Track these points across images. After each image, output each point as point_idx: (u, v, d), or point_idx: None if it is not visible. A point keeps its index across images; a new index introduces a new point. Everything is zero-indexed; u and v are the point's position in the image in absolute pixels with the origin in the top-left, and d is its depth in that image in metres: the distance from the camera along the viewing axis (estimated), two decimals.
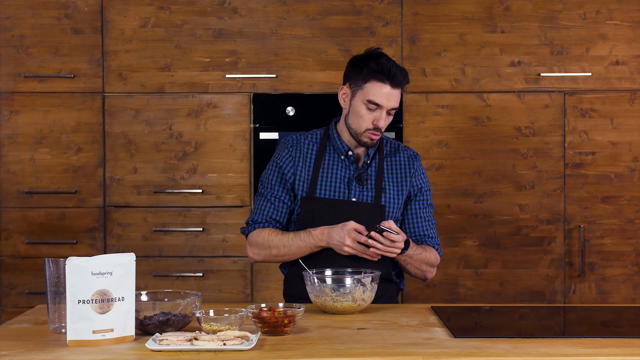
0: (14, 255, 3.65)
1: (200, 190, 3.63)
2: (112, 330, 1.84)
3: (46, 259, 1.97)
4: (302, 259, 2.47)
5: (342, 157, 2.54)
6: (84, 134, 3.65)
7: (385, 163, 2.58)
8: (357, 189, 2.53)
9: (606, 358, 1.72)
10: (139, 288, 2.06)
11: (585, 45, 3.64)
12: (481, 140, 3.65)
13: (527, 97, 3.65)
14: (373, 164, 2.56)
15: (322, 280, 2.21)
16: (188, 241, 3.64)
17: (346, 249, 2.36)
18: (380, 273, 2.27)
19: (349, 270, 2.31)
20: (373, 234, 2.31)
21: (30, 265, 3.63)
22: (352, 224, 2.36)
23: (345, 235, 2.35)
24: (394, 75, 2.40)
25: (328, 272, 2.30)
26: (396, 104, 2.45)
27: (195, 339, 1.79)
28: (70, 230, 3.63)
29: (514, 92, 3.65)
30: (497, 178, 3.65)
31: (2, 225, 3.65)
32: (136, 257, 1.92)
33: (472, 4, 3.65)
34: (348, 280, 2.20)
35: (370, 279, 2.20)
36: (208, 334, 1.84)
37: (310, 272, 2.24)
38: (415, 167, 2.61)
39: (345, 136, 2.55)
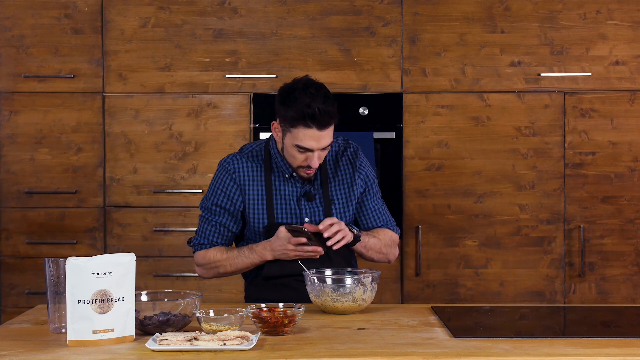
0: (14, 255, 3.65)
1: (200, 190, 3.63)
2: (112, 330, 1.84)
3: (46, 259, 1.97)
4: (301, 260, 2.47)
5: (287, 175, 2.52)
6: (84, 134, 3.65)
7: (329, 172, 2.55)
8: (307, 206, 2.51)
9: (606, 358, 1.72)
10: (139, 288, 2.06)
11: (585, 45, 3.64)
12: (481, 140, 3.65)
13: (527, 97, 3.65)
14: (318, 177, 2.53)
15: (323, 281, 2.21)
16: None
17: (292, 254, 2.38)
18: (380, 273, 2.27)
19: (349, 270, 2.32)
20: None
21: (30, 265, 3.63)
22: (282, 231, 2.37)
23: (285, 243, 2.37)
24: (319, 119, 2.32)
25: (328, 272, 2.31)
26: (328, 142, 2.39)
27: (195, 339, 1.79)
28: (70, 230, 3.63)
29: (514, 92, 3.65)
30: (497, 178, 3.65)
31: (2, 225, 3.65)
32: (136, 257, 1.92)
33: (472, 4, 3.65)
34: (348, 280, 2.20)
35: (370, 279, 2.20)
36: (208, 334, 1.84)
37: (310, 272, 2.24)
38: (357, 164, 2.57)
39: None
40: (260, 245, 2.45)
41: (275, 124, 2.48)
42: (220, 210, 2.51)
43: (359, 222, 2.61)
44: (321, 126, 2.33)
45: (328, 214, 2.50)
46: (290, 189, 2.51)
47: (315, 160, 2.38)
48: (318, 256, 2.38)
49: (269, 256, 2.43)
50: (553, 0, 3.64)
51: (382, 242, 2.55)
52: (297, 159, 2.41)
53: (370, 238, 2.51)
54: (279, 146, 2.50)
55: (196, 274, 3.62)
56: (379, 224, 2.60)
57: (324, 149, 2.40)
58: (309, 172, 2.45)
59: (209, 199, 2.54)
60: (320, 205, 2.52)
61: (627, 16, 3.64)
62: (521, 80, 3.65)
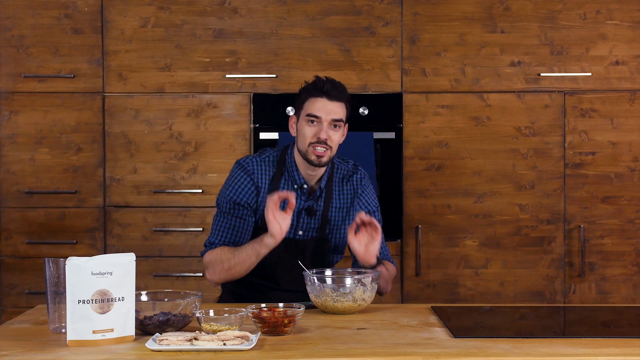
0: (14, 255, 3.65)
1: (200, 190, 3.63)
2: (112, 330, 1.84)
3: (46, 259, 1.97)
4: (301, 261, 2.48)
5: (295, 186, 2.54)
6: (84, 134, 3.65)
7: (334, 193, 2.58)
8: (305, 220, 2.53)
9: (606, 358, 1.72)
10: (139, 288, 2.06)
11: (585, 45, 3.64)
12: (481, 140, 3.65)
13: (527, 97, 3.65)
14: (323, 195, 2.57)
15: (323, 280, 2.21)
16: (188, 241, 3.64)
17: (270, 204, 2.29)
18: (380, 273, 2.27)
19: (349, 270, 2.32)
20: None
21: (30, 265, 3.63)
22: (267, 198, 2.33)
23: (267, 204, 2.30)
24: (328, 90, 2.44)
25: (328, 272, 2.31)
26: (338, 116, 2.45)
27: (195, 339, 1.79)
28: (70, 230, 3.63)
29: (514, 92, 3.65)
30: (497, 178, 3.65)
31: (2, 225, 3.65)
32: (136, 257, 1.92)
33: (472, 4, 3.65)
34: (348, 280, 2.20)
35: (370, 279, 2.20)
36: (208, 334, 1.84)
37: (310, 272, 2.24)
38: (360, 191, 2.62)
39: (302, 166, 2.53)
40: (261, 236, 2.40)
41: (293, 118, 2.55)
42: (238, 207, 2.50)
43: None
44: (330, 97, 2.44)
45: (322, 232, 2.54)
46: (295, 200, 2.52)
47: (324, 133, 2.42)
48: (293, 201, 2.31)
49: (268, 239, 2.33)
50: (553, 0, 3.64)
51: (389, 273, 2.56)
52: (308, 135, 2.45)
53: (382, 267, 2.50)
54: (293, 132, 2.54)
55: (197, 274, 3.62)
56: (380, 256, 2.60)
57: (335, 126, 2.45)
58: (318, 151, 2.44)
59: (225, 196, 2.52)
60: (317, 223, 2.54)
61: (627, 16, 3.64)
62: (521, 80, 3.65)
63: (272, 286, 2.53)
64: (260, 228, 2.49)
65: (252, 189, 2.51)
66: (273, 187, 2.52)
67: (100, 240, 3.64)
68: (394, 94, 3.64)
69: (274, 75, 3.63)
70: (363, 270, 2.31)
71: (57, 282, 1.96)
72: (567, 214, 3.65)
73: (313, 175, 2.53)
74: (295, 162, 2.54)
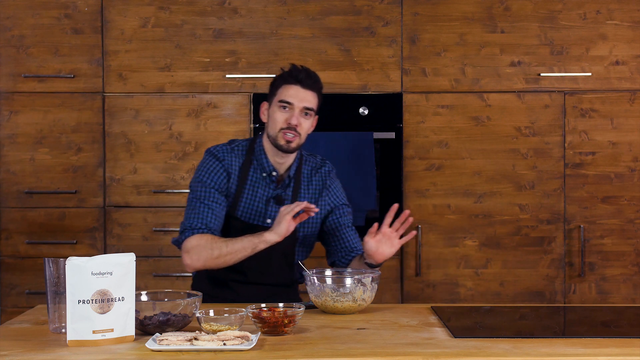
0: (14, 255, 3.65)
1: None
2: (112, 330, 1.84)
3: (46, 259, 1.97)
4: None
5: (264, 174, 2.55)
6: (84, 134, 3.65)
7: (302, 184, 2.60)
8: (274, 209, 2.54)
9: (606, 358, 1.72)
10: (139, 288, 2.05)
11: (585, 45, 3.64)
12: (481, 140, 3.65)
13: (527, 97, 3.65)
14: (292, 184, 2.58)
15: (323, 281, 2.21)
16: None
17: (285, 213, 2.35)
18: (380, 273, 2.27)
19: (349, 270, 2.32)
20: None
21: (30, 265, 3.63)
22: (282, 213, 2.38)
23: (280, 211, 2.36)
24: (302, 78, 2.49)
25: (328, 272, 2.31)
26: (310, 104, 2.49)
27: (195, 339, 1.79)
28: (70, 230, 3.63)
29: (514, 92, 3.65)
30: (497, 178, 3.65)
31: (2, 225, 3.65)
32: (136, 257, 1.92)
33: (472, 4, 3.65)
34: (348, 280, 2.20)
35: (370, 279, 2.20)
36: (208, 334, 1.84)
37: (311, 272, 2.24)
38: (328, 183, 2.64)
39: (270, 153, 2.55)
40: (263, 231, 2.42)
41: (265, 104, 2.58)
42: (213, 190, 2.51)
43: (331, 242, 2.63)
44: (303, 85, 2.49)
45: None
46: (263, 188, 2.55)
47: (295, 119, 2.46)
48: (312, 214, 2.37)
49: (271, 236, 2.35)
50: (553, 0, 3.64)
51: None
52: (279, 120, 2.48)
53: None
54: (266, 128, 2.55)
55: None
56: (354, 243, 2.61)
57: (307, 113, 2.49)
58: (288, 136, 2.47)
59: (200, 180, 2.52)
60: None
61: (627, 16, 3.64)
62: (521, 80, 3.65)
63: (239, 279, 2.51)
64: (231, 216, 2.51)
65: (224, 174, 2.53)
66: (242, 175, 2.54)
67: (100, 240, 3.64)
68: (394, 94, 3.64)
69: (274, 76, 3.62)
70: (363, 270, 2.31)
71: (57, 282, 1.96)
72: (567, 214, 3.65)
73: (281, 163, 2.55)
74: (264, 150, 2.56)
